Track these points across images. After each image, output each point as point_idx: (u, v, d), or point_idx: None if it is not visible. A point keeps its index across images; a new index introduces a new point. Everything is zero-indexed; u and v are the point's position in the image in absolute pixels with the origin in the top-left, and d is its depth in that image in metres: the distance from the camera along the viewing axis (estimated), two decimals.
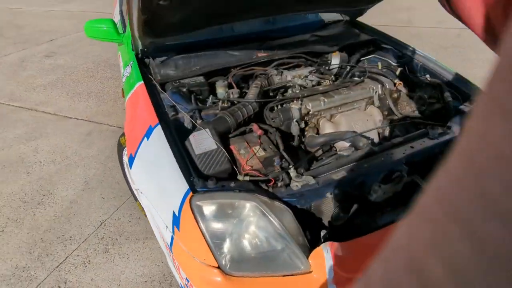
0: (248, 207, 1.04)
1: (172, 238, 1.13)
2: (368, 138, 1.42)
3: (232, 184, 1.09)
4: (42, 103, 3.53)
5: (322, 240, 1.15)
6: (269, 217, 1.02)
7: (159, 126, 1.31)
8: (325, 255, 1.01)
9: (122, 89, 1.87)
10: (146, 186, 1.28)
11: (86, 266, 1.72)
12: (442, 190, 0.19)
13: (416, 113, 1.55)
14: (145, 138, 1.33)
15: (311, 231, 1.16)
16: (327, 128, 1.55)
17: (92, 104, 3.47)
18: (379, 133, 1.54)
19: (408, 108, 1.58)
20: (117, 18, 2.75)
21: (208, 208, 1.04)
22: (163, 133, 1.28)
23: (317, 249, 1.02)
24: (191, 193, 1.06)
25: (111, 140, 2.79)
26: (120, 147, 1.74)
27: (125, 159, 1.75)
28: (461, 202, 0.17)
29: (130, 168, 1.37)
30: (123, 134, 1.66)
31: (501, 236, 0.15)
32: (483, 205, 0.16)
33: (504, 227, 0.15)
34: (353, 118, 1.58)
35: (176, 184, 1.11)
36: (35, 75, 4.22)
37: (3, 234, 1.95)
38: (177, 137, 1.30)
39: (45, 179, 2.40)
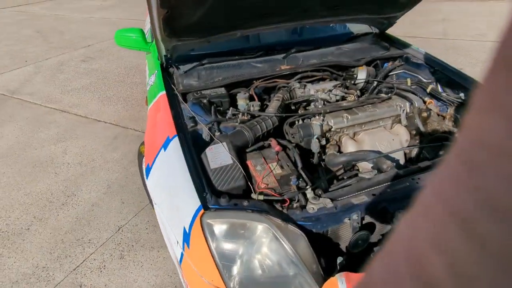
0: (260, 229, 0.99)
1: (182, 254, 1.11)
2: (393, 160, 1.34)
3: (245, 203, 1.06)
4: (74, 105, 3.70)
5: (338, 267, 1.08)
6: (282, 241, 0.97)
7: (177, 138, 1.30)
8: (339, 287, 0.94)
9: (146, 97, 1.90)
10: (160, 198, 1.27)
11: (101, 271, 1.75)
12: (441, 186, 0.19)
13: (447, 135, 1.45)
14: (162, 149, 1.33)
15: (326, 256, 1.09)
16: (349, 146, 1.49)
17: (120, 108, 3.58)
18: (405, 155, 1.45)
19: (439, 128, 1.47)
20: (147, 27, 2.83)
21: (219, 227, 1.01)
22: (179, 145, 1.27)
23: (332, 279, 0.96)
24: (202, 210, 1.03)
25: (135, 145, 2.85)
26: (140, 156, 1.76)
27: (144, 168, 1.77)
28: (459, 198, 0.17)
29: (147, 179, 1.37)
30: (143, 143, 1.68)
31: (499, 231, 0.15)
32: (481, 200, 0.16)
33: (502, 222, 0.15)
34: (377, 137, 1.50)
35: (188, 199, 1.09)
36: (71, 79, 4.44)
37: (28, 233, 2.03)
38: (194, 149, 1.29)
39: (71, 180, 2.49)
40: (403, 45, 2.13)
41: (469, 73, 1.80)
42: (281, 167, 1.28)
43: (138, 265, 1.77)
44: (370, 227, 1.14)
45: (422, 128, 1.50)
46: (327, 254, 1.10)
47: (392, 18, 2.07)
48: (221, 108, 1.67)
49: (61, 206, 2.23)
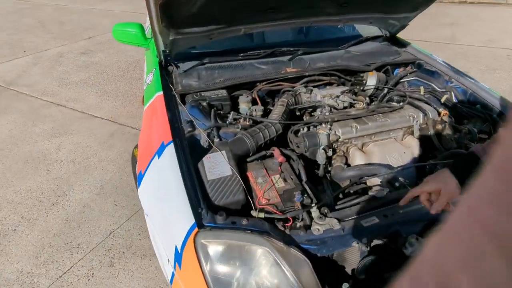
0: (260, 252, 0.90)
1: (173, 274, 1.01)
2: (405, 175, 1.24)
3: (244, 222, 0.96)
4: (72, 99, 3.59)
5: None
6: (283, 267, 0.87)
7: (172, 144, 1.20)
8: None
9: (143, 96, 1.80)
10: (151, 210, 1.18)
11: (89, 280, 1.65)
12: (476, 206, 0.19)
13: (463, 150, 1.35)
14: (156, 156, 1.23)
15: (330, 282, 1.00)
16: (357, 158, 1.38)
17: (118, 104, 3.48)
18: (417, 170, 1.35)
19: (454, 143, 1.37)
20: (148, 23, 2.72)
21: (214, 249, 0.92)
22: (175, 153, 1.17)
23: None
24: (196, 229, 0.93)
25: (131, 143, 2.75)
26: (134, 160, 1.66)
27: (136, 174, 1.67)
28: (497, 218, 0.17)
29: (138, 187, 1.27)
30: (137, 146, 1.58)
31: None
32: None
33: None
34: (388, 149, 1.40)
35: (182, 215, 1.00)
36: (69, 71, 4.33)
37: (14, 234, 1.93)
38: (191, 157, 1.19)
39: (63, 178, 2.39)
40: (416, 50, 2.02)
41: (479, 81, 1.70)
42: (284, 180, 1.18)
43: (128, 274, 1.68)
44: (380, 251, 1.04)
45: (436, 142, 1.39)
46: (331, 279, 1.01)
47: (404, 19, 1.96)
48: (221, 112, 1.56)
49: (51, 206, 2.14)
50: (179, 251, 0.96)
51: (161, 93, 1.51)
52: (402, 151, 1.40)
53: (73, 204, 2.15)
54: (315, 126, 1.43)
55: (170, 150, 1.19)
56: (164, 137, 1.25)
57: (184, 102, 1.55)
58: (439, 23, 5.87)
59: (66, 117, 3.26)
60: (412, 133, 1.45)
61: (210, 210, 1.00)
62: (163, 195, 1.12)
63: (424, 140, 1.44)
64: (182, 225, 0.97)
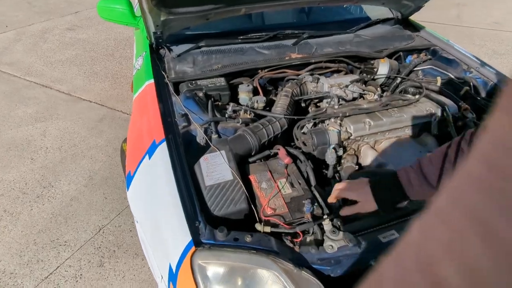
0: (267, 276, 0.78)
1: None
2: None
3: (248, 239, 0.84)
4: (57, 80, 3.37)
5: None
6: None
7: (165, 144, 1.06)
8: None
9: (132, 82, 1.63)
10: (142, 218, 1.05)
11: (77, 281, 1.55)
12: (460, 192, 0.19)
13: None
14: (147, 156, 1.09)
15: None
16: (369, 157, 1.26)
17: (107, 86, 3.27)
18: None
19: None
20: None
21: (214, 271, 0.80)
22: (168, 154, 1.03)
23: None
24: (193, 248, 0.81)
25: (121, 129, 2.59)
26: (123, 154, 1.52)
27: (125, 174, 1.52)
28: (481, 204, 0.17)
29: (127, 189, 1.14)
30: (125, 140, 1.43)
31: None
32: (505, 206, 0.16)
33: None
34: (402, 147, 1.28)
35: (176, 229, 0.87)
36: (55, 49, 4.06)
37: None
38: (185, 158, 1.05)
39: (49, 168, 2.24)
40: (430, 35, 1.86)
41: None
42: (292, 185, 1.06)
43: (119, 275, 1.57)
44: None
45: None
46: None
47: (419, 0, 1.79)
48: (219, 103, 1.42)
49: (36, 199, 2.00)
50: (174, 271, 0.84)
51: (152, 81, 1.35)
52: (418, 150, 1.28)
53: (60, 196, 2.01)
54: (323, 121, 1.29)
55: (162, 150, 1.05)
56: (155, 135, 1.11)
57: (177, 92, 1.39)
58: (446, 2, 5.63)
59: (52, 99, 3.06)
60: (428, 130, 1.33)
61: (208, 223, 0.88)
62: (155, 203, 0.99)
63: (442, 138, 1.31)
64: (177, 242, 0.85)
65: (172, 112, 1.24)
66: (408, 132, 1.32)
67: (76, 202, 1.97)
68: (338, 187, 0.93)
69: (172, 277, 0.85)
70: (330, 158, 1.19)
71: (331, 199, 0.95)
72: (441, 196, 0.20)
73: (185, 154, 1.07)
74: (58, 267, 1.61)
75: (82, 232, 1.78)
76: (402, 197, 0.83)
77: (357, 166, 1.23)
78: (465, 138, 0.78)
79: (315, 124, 1.29)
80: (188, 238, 0.83)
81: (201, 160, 1.05)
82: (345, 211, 0.92)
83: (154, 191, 1.01)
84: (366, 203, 0.86)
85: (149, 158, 1.08)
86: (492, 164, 0.17)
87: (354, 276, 0.91)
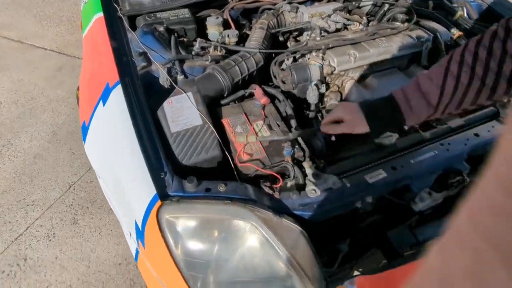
0: (244, 227, 0.71)
1: (137, 251, 0.83)
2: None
3: (222, 188, 0.75)
4: (4, 26, 2.96)
5: (339, 258, 0.86)
6: (274, 244, 0.69)
7: (119, 86, 0.91)
8: None
9: (81, 19, 1.39)
10: (103, 172, 0.93)
11: (50, 240, 1.47)
12: (478, 214, 0.19)
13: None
14: (101, 102, 0.94)
15: (325, 244, 0.86)
16: (354, 93, 1.15)
17: (63, 31, 2.91)
18: None
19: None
20: None
21: (184, 225, 0.71)
22: (124, 98, 0.88)
23: None
24: (159, 202, 0.71)
25: None
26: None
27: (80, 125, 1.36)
28: (497, 226, 0.17)
29: (84, 142, 1.00)
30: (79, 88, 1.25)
31: None
32: None
33: None
34: (390, 81, 1.17)
35: (139, 182, 0.76)
36: None
37: None
38: (146, 103, 0.91)
39: (5, 125, 2.03)
40: None
41: None
42: (270, 127, 0.95)
43: (96, 232, 1.50)
44: (384, 208, 0.89)
45: None
46: (325, 240, 0.86)
47: None
48: (184, 39, 1.23)
49: None
50: (140, 229, 0.75)
51: (100, 14, 1.13)
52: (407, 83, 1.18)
53: (21, 154, 1.85)
54: (303, 56, 1.15)
55: (117, 94, 0.90)
56: (108, 77, 0.94)
57: (134, 27, 1.19)
58: None
59: (0, 48, 2.70)
60: (419, 61, 1.21)
61: (176, 173, 0.77)
62: (114, 156, 0.87)
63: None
64: (141, 197, 0.75)
65: (128, 51, 1.06)
66: (396, 63, 1.20)
67: (40, 159, 1.82)
68: (332, 115, 0.85)
69: (140, 234, 0.76)
70: (311, 96, 1.07)
71: (324, 125, 0.87)
72: (460, 218, 0.20)
73: (145, 98, 0.93)
74: (28, 227, 1.51)
75: (51, 191, 1.66)
76: (397, 120, 0.74)
77: None
78: (468, 48, 0.67)
79: (295, 59, 1.15)
80: (153, 191, 0.73)
81: (165, 104, 0.91)
82: (328, 128, 0.84)
83: (112, 142, 0.88)
84: (357, 124, 0.78)
85: (104, 104, 0.93)
86: (507, 187, 0.17)
87: (339, 220, 0.86)
